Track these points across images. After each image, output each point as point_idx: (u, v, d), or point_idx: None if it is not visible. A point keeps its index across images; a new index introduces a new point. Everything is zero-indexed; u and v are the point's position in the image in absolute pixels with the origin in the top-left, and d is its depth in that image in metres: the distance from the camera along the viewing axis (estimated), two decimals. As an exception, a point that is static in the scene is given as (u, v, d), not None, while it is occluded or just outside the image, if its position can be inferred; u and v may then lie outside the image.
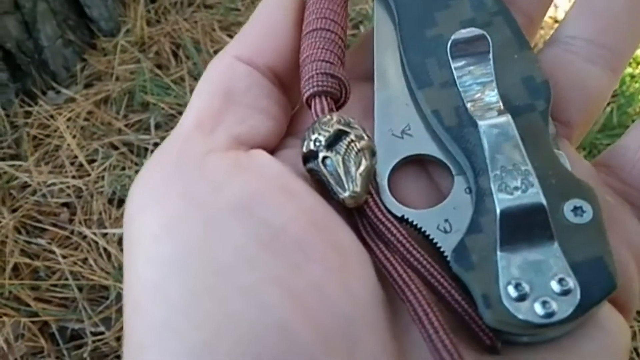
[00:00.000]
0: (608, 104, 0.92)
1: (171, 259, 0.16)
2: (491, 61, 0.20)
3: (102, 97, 0.87)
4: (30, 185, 0.78)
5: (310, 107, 0.19)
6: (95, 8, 0.93)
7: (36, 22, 0.85)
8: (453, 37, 0.20)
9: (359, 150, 0.18)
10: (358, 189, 0.17)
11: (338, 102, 0.20)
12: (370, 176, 0.18)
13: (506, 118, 0.18)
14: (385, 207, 0.18)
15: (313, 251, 0.16)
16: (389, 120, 0.20)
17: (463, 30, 0.20)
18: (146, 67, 0.89)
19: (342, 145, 0.18)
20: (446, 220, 0.18)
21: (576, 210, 0.17)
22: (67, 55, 0.90)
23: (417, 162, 0.20)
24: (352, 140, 0.18)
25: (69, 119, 0.84)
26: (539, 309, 0.16)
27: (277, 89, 0.20)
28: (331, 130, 0.18)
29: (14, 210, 0.77)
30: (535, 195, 0.17)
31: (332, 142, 0.18)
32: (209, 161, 0.18)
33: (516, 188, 0.17)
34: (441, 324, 0.16)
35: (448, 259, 0.18)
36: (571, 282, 0.16)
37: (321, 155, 0.18)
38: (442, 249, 0.18)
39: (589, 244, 0.17)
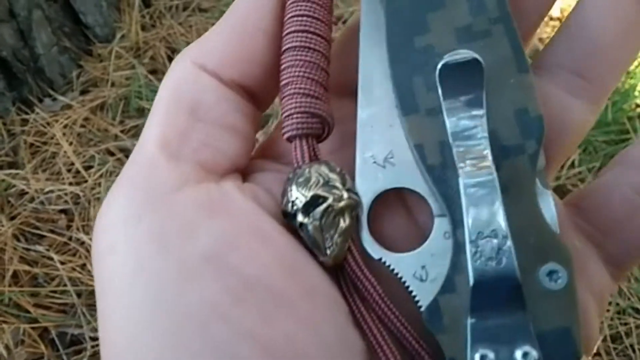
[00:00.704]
0: (603, 101, 0.92)
1: (144, 309, 0.16)
2: (484, 92, 0.18)
3: (98, 104, 0.87)
4: (27, 193, 0.79)
5: (290, 143, 0.19)
6: (90, 14, 0.94)
7: (31, 30, 0.86)
8: (443, 61, 0.18)
9: (337, 214, 0.17)
10: (336, 253, 0.17)
11: (320, 138, 0.19)
12: (351, 234, 0.18)
13: (492, 177, 0.17)
14: (364, 263, 0.18)
15: (286, 300, 0.16)
16: (372, 146, 0.19)
17: (457, 53, 0.18)
18: (141, 72, 0.89)
19: (318, 212, 0.17)
20: (423, 267, 0.18)
21: (551, 274, 0.17)
22: (63, 62, 0.91)
23: (397, 191, 0.19)
24: (330, 205, 0.17)
25: (65, 126, 0.84)
26: None
27: (245, 102, 0.19)
28: (307, 196, 0.17)
29: (12, 218, 0.77)
30: (510, 267, 0.16)
31: (309, 208, 0.17)
32: (179, 200, 0.17)
33: (491, 259, 0.16)
34: None
35: (422, 309, 0.17)
36: (535, 355, 0.16)
37: (298, 220, 0.17)
38: (416, 298, 0.18)
39: (559, 313, 0.17)
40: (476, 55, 0.17)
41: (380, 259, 0.18)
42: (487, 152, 0.17)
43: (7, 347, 0.68)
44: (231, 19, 0.19)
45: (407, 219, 0.19)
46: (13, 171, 0.81)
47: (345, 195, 0.18)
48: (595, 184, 0.20)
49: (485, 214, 0.17)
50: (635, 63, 0.98)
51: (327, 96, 0.19)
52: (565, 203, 0.20)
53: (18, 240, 0.76)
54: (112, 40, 0.95)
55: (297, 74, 0.18)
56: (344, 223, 0.18)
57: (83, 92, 0.90)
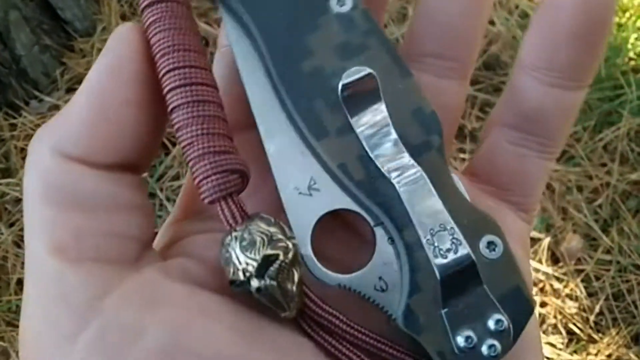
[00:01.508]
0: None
1: None
2: (383, 102, 0.19)
3: (85, 101, 0.87)
4: (23, 199, 0.79)
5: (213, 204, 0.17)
6: (68, 9, 0.92)
7: (10, 32, 0.85)
8: (342, 81, 0.18)
9: (290, 266, 0.17)
10: (298, 304, 0.17)
11: (241, 192, 0.18)
12: (303, 281, 0.18)
13: (420, 173, 0.18)
14: (320, 299, 0.18)
15: None
16: (291, 177, 0.19)
17: (351, 72, 0.19)
18: (125, 66, 0.88)
19: (273, 271, 0.17)
20: (380, 278, 0.18)
21: (490, 245, 0.19)
22: (46, 61, 0.90)
23: (330, 214, 0.19)
24: (282, 261, 0.17)
25: (54, 127, 0.84)
26: (486, 351, 0.18)
27: (127, 175, 0.17)
28: (258, 259, 0.17)
29: (11, 225, 0.78)
30: (465, 253, 0.18)
31: (262, 270, 0.17)
32: (108, 306, 0.16)
33: (448, 250, 0.18)
34: None
35: (393, 317, 0.18)
36: (504, 319, 0.18)
37: (253, 285, 0.17)
38: (384, 309, 0.18)
39: (506, 276, 0.19)
40: (370, 70, 0.18)
41: (339, 285, 0.18)
42: (405, 153, 0.19)
43: (18, 355, 0.69)
44: (89, 94, 0.17)
45: (346, 234, 0.20)
46: (5, 180, 0.80)
47: (291, 245, 0.17)
48: (481, 150, 0.22)
49: (428, 210, 0.18)
50: (627, 15, 0.96)
51: (234, 146, 0.18)
52: (465, 173, 0.22)
53: (19, 246, 0.76)
54: (94, 34, 0.94)
55: (198, 132, 0.17)
56: (297, 273, 0.17)
57: (69, 90, 0.89)
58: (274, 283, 0.17)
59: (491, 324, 0.18)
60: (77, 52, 0.93)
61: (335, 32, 0.19)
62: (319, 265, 0.19)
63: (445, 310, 0.18)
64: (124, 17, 0.97)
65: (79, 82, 0.90)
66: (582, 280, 0.78)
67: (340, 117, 0.19)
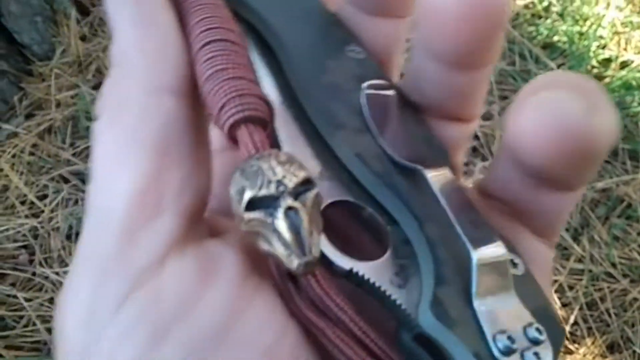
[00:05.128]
0: (559, 66, 0.91)
1: None
2: (400, 113, 0.19)
3: (45, 127, 0.84)
4: (-17, 232, 0.76)
5: (234, 139, 0.16)
6: (25, 33, 0.89)
7: (-36, 58, 0.82)
8: (365, 84, 0.19)
9: (319, 208, 0.15)
10: (317, 255, 0.14)
11: (265, 132, 0.16)
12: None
13: (447, 169, 0.18)
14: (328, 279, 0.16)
15: None
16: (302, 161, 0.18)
17: (372, 82, 0.19)
18: (86, 90, 0.86)
19: (308, 197, 0.14)
20: (396, 274, 0.17)
21: (511, 262, 0.17)
22: (3, 86, 0.87)
23: (339, 208, 0.18)
24: (318, 194, 0.14)
25: (13, 156, 0.81)
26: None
27: (198, 116, 0.16)
28: (299, 175, 0.14)
29: None
30: (498, 245, 0.16)
31: (299, 190, 0.14)
32: (167, 274, 0.14)
33: (481, 239, 0.16)
34: None
35: (412, 316, 0.16)
36: (543, 329, 0.16)
37: (284, 203, 0.14)
38: (402, 307, 0.16)
39: (534, 294, 0.17)
40: (388, 81, 0.19)
41: (351, 270, 0.16)
42: (423, 154, 0.18)
43: None
44: (143, 20, 0.16)
45: (354, 231, 0.18)
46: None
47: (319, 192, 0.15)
48: (492, 170, 0.20)
49: (456, 197, 0.17)
50: (588, 23, 0.97)
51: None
52: (475, 189, 0.20)
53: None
54: (53, 57, 0.91)
55: (220, 62, 0.16)
56: (321, 225, 0.15)
57: (28, 117, 0.86)
58: (306, 211, 0.14)
59: (531, 332, 0.16)
60: (36, 77, 0.90)
61: (351, 66, 0.20)
62: (331, 245, 0.16)
63: (481, 307, 0.16)
64: (83, 39, 0.94)
65: (39, 107, 0.87)
66: (556, 291, 0.78)
67: (357, 120, 0.18)
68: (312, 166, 0.18)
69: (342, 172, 0.18)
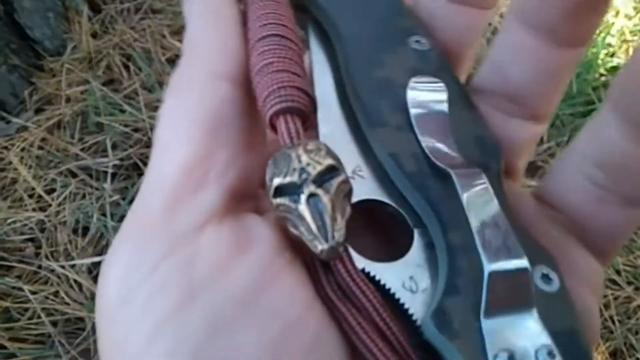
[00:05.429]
0: (567, 73, 0.91)
1: None
2: (447, 111, 0.19)
3: (54, 122, 0.84)
4: (-10, 224, 0.76)
5: (275, 128, 0.17)
6: (37, 28, 0.90)
7: (-24, 52, 0.83)
8: (412, 80, 0.19)
9: (346, 194, 0.15)
10: (341, 240, 0.15)
11: (305, 123, 0.17)
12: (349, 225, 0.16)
13: (479, 170, 0.17)
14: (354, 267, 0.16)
15: (328, 345, 0.15)
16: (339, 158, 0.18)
17: (420, 78, 0.19)
18: (96, 85, 0.86)
19: (334, 184, 0.15)
20: (411, 278, 0.17)
21: (544, 277, 0.17)
22: (14, 81, 0.87)
23: (365, 206, 0.18)
24: (344, 181, 0.15)
25: (22, 149, 0.81)
26: None
27: (253, 105, 0.18)
28: (324, 163, 0.15)
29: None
30: (519, 256, 0.16)
31: (324, 178, 0.15)
32: (203, 238, 0.15)
33: (499, 249, 0.16)
34: None
35: (418, 322, 0.16)
36: (557, 354, 0.15)
37: (307, 190, 0.14)
38: (410, 311, 0.16)
39: (561, 315, 0.16)
40: (439, 79, 0.19)
41: (363, 270, 0.16)
42: (460, 157, 0.18)
43: None
44: (206, 16, 0.19)
45: (376, 234, 0.19)
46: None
47: (348, 179, 0.15)
48: (554, 176, 0.19)
49: (483, 204, 0.16)
50: (596, 31, 0.97)
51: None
52: (533, 195, 0.20)
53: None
54: (64, 53, 0.92)
55: (272, 55, 0.17)
56: (349, 209, 0.15)
57: (38, 111, 0.86)
58: (329, 197, 0.15)
59: (542, 356, 0.15)
60: (46, 72, 0.90)
61: (410, 59, 0.20)
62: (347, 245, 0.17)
63: (486, 320, 0.15)
64: (94, 36, 0.95)
65: (49, 102, 0.88)
66: (560, 297, 0.78)
67: (401, 118, 0.18)
68: (350, 162, 0.18)
69: (379, 170, 0.18)
